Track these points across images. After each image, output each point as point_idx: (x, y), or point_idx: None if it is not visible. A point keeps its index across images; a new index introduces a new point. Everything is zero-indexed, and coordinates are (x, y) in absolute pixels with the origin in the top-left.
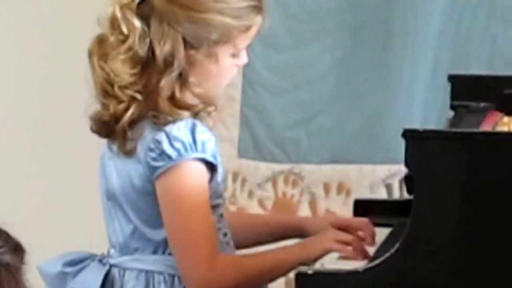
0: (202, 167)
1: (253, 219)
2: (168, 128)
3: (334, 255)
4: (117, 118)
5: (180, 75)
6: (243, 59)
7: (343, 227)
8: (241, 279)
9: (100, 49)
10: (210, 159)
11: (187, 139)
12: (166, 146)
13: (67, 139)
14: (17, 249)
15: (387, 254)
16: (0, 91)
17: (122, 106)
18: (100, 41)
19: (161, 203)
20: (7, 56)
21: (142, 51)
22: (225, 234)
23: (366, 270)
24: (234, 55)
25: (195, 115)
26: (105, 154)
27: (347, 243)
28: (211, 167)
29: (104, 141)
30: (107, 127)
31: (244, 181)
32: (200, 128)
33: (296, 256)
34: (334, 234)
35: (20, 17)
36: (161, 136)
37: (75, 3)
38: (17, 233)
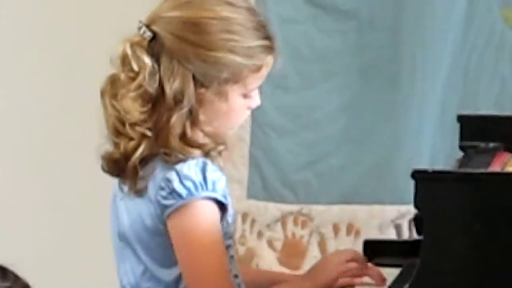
0: (213, 206)
1: (258, 275)
2: (178, 166)
3: None
4: (127, 156)
5: (190, 113)
6: (256, 100)
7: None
8: None
9: (112, 88)
10: (221, 198)
11: (198, 178)
12: (176, 185)
13: (80, 180)
14: None
15: None
16: (8, 140)
17: (132, 143)
18: (112, 81)
19: (175, 243)
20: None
21: (152, 88)
22: (235, 276)
23: None
24: (245, 96)
25: (206, 154)
26: (117, 195)
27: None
28: (222, 207)
29: (114, 182)
30: (117, 165)
31: (253, 222)
32: (211, 167)
33: None
34: (338, 266)
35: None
36: (172, 175)
37: (86, 41)
38: (26, 275)
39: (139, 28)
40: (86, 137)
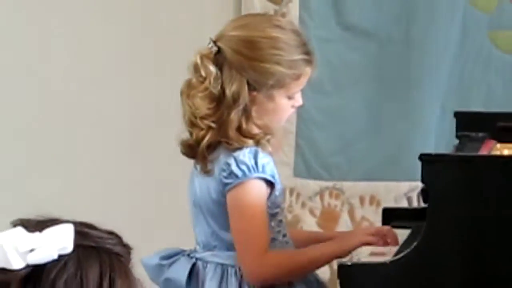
0: (262, 184)
1: (305, 236)
2: (236, 153)
3: (367, 251)
4: (198, 142)
5: (245, 110)
6: (298, 101)
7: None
8: (288, 270)
9: (188, 90)
10: (269, 178)
11: (251, 162)
12: (234, 168)
13: (168, 158)
14: (126, 245)
15: (408, 250)
16: (114, 130)
17: (202, 133)
18: (188, 84)
19: (229, 211)
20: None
21: (215, 90)
22: (284, 235)
23: (391, 262)
24: (289, 97)
25: (257, 142)
26: (193, 171)
27: (376, 234)
28: (270, 184)
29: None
30: (191, 150)
31: (298, 195)
32: (261, 154)
33: (334, 249)
34: (365, 229)
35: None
36: (231, 160)
37: (173, 52)
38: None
39: (209, 43)
40: (174, 128)
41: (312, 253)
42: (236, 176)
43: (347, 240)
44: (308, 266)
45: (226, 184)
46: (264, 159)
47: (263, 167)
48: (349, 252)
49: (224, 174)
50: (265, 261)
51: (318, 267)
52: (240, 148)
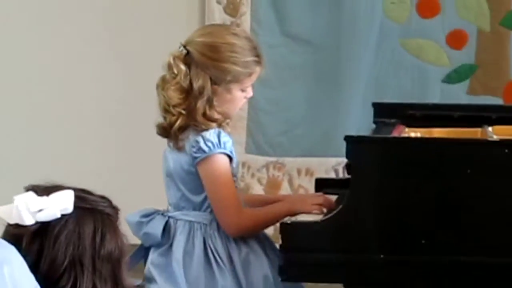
0: (225, 158)
1: (256, 198)
2: (203, 133)
3: None
4: (171, 125)
5: (208, 100)
6: (250, 93)
7: None
8: (258, 223)
9: (163, 83)
10: (229, 153)
11: (215, 140)
12: (202, 144)
13: (146, 139)
14: (115, 207)
15: (335, 212)
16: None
17: (173, 118)
18: (163, 79)
19: (204, 182)
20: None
21: (185, 84)
22: None
23: (322, 221)
24: (242, 90)
25: (219, 125)
26: (166, 149)
27: (320, 205)
28: (230, 158)
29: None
30: (165, 131)
31: (249, 167)
32: (223, 134)
33: (287, 209)
34: (312, 199)
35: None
36: (199, 138)
37: (150, 54)
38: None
39: (179, 47)
40: (150, 114)
41: (273, 210)
42: (204, 151)
43: (298, 205)
44: (270, 221)
45: (196, 157)
46: (225, 138)
47: (224, 144)
48: (296, 214)
49: (194, 149)
50: (244, 215)
51: (275, 222)
52: (206, 129)
